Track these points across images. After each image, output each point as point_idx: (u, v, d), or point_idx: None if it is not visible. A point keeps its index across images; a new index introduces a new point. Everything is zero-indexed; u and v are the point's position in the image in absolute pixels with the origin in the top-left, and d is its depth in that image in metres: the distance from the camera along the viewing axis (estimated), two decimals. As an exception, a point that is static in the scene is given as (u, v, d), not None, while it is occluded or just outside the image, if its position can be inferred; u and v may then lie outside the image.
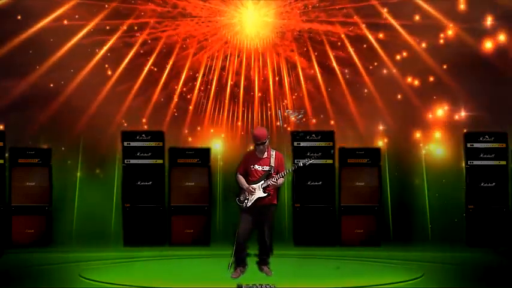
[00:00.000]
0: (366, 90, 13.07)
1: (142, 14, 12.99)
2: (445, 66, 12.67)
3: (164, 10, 13.00)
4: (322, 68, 13.19)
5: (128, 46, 13.04)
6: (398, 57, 12.90)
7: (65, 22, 12.65)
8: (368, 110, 12.95)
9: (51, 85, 12.65)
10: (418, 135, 12.86)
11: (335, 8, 12.99)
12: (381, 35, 12.94)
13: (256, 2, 13.07)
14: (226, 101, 13.31)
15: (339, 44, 13.14)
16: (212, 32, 13.22)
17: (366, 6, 12.92)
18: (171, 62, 13.11)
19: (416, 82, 12.86)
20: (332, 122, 12.99)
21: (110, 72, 12.94)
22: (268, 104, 13.29)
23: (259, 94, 13.28)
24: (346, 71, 13.14)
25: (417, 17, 12.72)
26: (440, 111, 12.76)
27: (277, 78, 13.29)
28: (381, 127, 12.92)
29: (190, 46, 13.16)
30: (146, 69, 13.07)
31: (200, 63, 13.23)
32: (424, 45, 12.73)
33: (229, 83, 13.29)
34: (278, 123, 13.08)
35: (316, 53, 13.20)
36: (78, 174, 12.63)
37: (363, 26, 12.98)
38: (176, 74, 13.20)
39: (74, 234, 12.28)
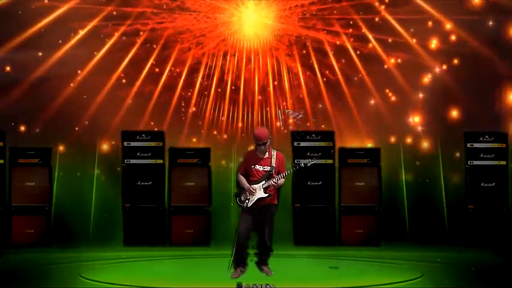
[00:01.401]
0: (362, 93, 13.10)
1: (138, 4, 12.99)
2: (444, 67, 12.72)
3: (162, 2, 12.99)
4: (318, 72, 13.22)
5: (124, 37, 13.04)
6: (392, 61, 12.94)
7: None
8: (365, 112, 12.99)
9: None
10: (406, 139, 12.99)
11: (333, 17, 13.02)
12: (372, 44, 12.99)
13: (258, 2, 13.07)
14: (226, 102, 13.30)
15: (335, 50, 13.16)
16: (210, 29, 13.21)
17: (365, 17, 12.98)
18: (170, 61, 13.12)
19: (412, 84, 12.90)
20: (323, 126, 12.98)
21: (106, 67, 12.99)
22: (267, 108, 13.29)
23: (259, 97, 13.28)
24: (342, 76, 13.16)
25: (413, 24, 12.81)
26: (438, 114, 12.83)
27: (276, 83, 13.29)
28: (376, 128, 12.98)
29: (187, 41, 13.14)
30: (147, 68, 13.08)
31: (196, 59, 13.20)
32: (419, 49, 12.81)
33: (229, 83, 13.29)
34: (278, 123, 13.08)
35: (313, 58, 13.22)
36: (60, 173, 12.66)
37: (359, 34, 13.03)
38: (173, 71, 13.18)
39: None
